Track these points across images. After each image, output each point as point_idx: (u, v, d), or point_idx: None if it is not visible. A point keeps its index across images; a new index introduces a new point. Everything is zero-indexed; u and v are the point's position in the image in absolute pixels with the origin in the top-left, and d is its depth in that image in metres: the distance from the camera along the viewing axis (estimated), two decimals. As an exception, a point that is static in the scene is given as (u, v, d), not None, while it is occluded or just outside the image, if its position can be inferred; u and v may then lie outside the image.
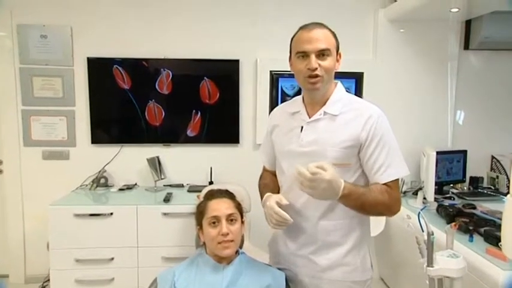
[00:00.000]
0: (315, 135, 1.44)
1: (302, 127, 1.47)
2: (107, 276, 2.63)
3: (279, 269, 1.58)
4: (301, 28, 1.43)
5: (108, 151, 3.11)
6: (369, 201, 1.36)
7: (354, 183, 1.38)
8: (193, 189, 3.00)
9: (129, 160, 3.13)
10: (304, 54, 1.39)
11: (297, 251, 1.52)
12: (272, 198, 1.45)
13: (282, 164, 1.55)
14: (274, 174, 1.66)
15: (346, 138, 1.40)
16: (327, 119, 1.44)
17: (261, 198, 1.58)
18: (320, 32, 1.39)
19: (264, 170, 1.76)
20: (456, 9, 2.74)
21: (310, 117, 1.47)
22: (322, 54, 1.37)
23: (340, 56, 1.46)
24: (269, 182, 1.65)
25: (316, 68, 1.36)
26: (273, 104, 3.08)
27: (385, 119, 1.43)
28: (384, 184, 1.39)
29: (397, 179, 1.42)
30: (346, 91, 1.53)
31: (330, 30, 1.43)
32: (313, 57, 1.36)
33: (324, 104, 1.46)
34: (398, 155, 1.43)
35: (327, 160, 1.33)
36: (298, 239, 1.51)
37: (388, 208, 1.41)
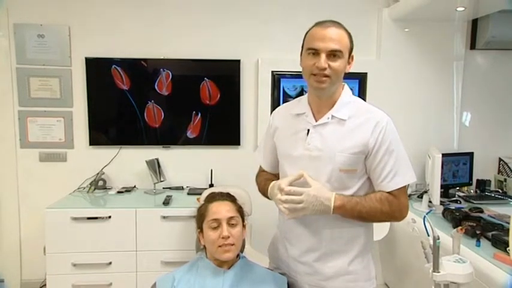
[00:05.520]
0: (322, 140, 1.39)
1: (308, 130, 1.42)
2: (105, 281, 2.60)
3: (279, 273, 1.54)
4: (316, 24, 1.37)
5: (106, 153, 3.08)
6: (366, 210, 1.35)
7: (346, 195, 1.36)
8: (193, 192, 2.98)
9: (127, 162, 3.10)
10: (315, 52, 1.33)
11: (299, 257, 1.47)
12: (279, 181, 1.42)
13: (286, 169, 1.48)
14: (273, 175, 1.61)
15: (354, 144, 1.36)
16: (334, 123, 1.39)
17: (263, 192, 1.57)
18: (335, 31, 1.33)
19: (262, 170, 1.70)
20: (462, 8, 2.72)
21: (316, 121, 1.42)
22: (333, 54, 1.31)
23: (352, 59, 1.40)
24: (271, 177, 1.58)
25: (325, 68, 1.31)
26: (275, 105, 3.04)
27: (392, 126, 1.40)
28: (389, 192, 1.37)
29: (404, 186, 1.39)
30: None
31: (346, 31, 1.37)
32: (323, 56, 1.31)
33: (331, 107, 1.41)
34: (405, 161, 1.40)
35: (335, 166, 1.35)
36: (300, 244, 1.46)
37: (390, 216, 1.40)
